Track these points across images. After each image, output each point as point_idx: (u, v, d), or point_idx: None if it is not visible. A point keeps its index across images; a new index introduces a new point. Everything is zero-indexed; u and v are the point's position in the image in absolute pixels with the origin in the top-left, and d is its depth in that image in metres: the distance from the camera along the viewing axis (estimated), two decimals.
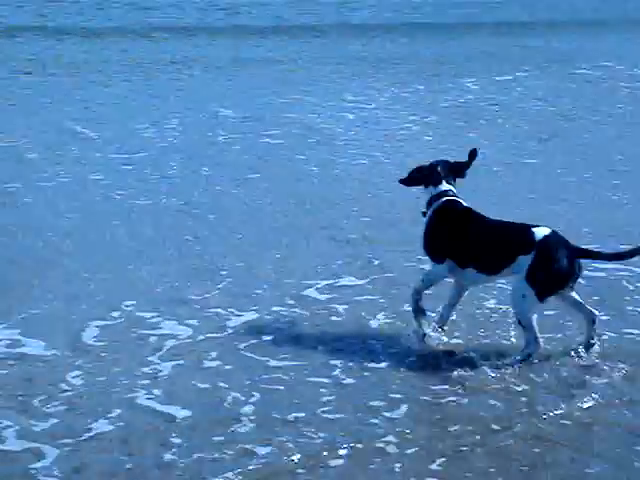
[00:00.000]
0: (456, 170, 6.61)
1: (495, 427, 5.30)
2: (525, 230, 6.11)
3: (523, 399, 5.63)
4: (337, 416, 5.40)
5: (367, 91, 14.45)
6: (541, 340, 6.07)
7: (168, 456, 4.97)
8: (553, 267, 5.98)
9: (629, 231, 8.34)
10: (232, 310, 6.85)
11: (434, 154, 11.13)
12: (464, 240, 6.25)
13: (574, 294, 6.20)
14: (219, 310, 6.85)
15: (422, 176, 6.57)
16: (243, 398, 5.59)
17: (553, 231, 6.10)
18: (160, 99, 13.86)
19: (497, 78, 15.61)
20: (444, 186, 6.49)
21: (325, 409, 5.48)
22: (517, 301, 6.10)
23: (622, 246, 6.90)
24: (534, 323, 6.08)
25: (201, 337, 6.43)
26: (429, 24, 20.88)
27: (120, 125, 12.31)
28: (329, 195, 9.80)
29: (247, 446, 5.04)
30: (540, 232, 6.07)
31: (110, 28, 19.70)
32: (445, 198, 6.42)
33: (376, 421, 5.36)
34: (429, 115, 13.09)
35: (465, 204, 6.43)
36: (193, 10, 21.92)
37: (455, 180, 6.60)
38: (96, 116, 12.71)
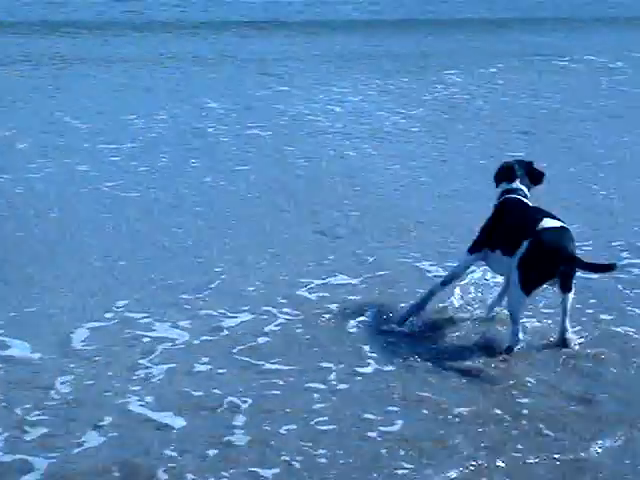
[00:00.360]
0: (533, 175, 6.52)
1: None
2: (538, 218, 5.83)
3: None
4: (331, 427, 5.06)
5: (354, 84, 14.03)
6: (522, 336, 5.84)
7: (161, 473, 4.63)
8: (538, 259, 5.67)
9: (614, 225, 8.10)
10: (224, 311, 6.49)
11: (420, 147, 10.94)
12: (502, 223, 6.10)
13: (567, 302, 5.87)
14: (211, 312, 6.49)
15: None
16: (236, 406, 5.25)
17: (561, 227, 5.79)
18: (148, 92, 13.40)
19: (481, 70, 15.26)
20: (515, 184, 6.36)
21: (320, 419, 5.14)
22: (510, 289, 5.90)
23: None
24: (519, 315, 5.83)
25: (193, 340, 6.08)
26: (413, 20, 20.51)
27: (108, 117, 11.86)
28: (318, 189, 9.44)
29: (242, 469, 4.70)
30: (546, 223, 5.79)
31: (96, 22, 19.14)
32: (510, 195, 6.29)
33: (372, 434, 5.02)
34: (415, 108, 12.71)
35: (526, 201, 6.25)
36: (178, 4, 21.41)
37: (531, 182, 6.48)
38: (84, 108, 12.25)
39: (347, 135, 11.40)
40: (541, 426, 5.06)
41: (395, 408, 5.25)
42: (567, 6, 21.91)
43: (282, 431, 4.99)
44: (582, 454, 4.82)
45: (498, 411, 5.22)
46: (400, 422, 5.10)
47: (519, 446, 4.88)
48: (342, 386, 5.49)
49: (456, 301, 6.47)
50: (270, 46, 17.07)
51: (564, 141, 11.23)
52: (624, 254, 7.61)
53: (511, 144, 10.97)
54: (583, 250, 6.62)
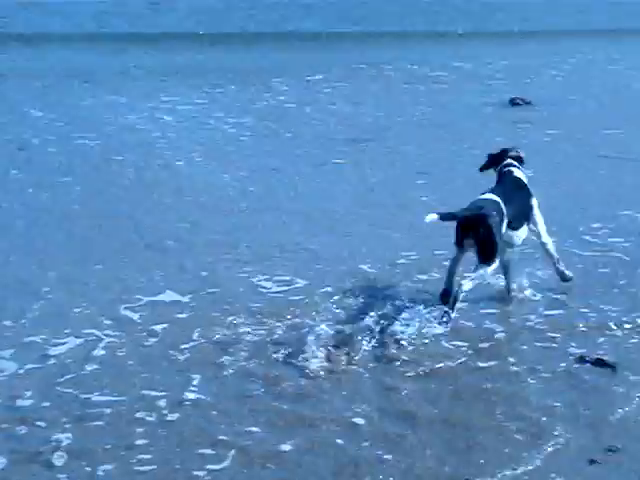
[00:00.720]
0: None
1: None
2: None
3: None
4: (151, 468, 4.49)
5: (183, 94, 13.56)
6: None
7: None
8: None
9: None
10: (48, 337, 5.87)
11: (249, 156, 10.56)
12: None
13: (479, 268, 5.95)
14: (35, 338, 5.85)
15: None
16: (59, 442, 4.69)
17: (488, 199, 6.11)
18: None
19: (308, 78, 15.09)
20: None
21: (142, 457, 4.59)
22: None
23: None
24: (448, 268, 6.09)
25: (16, 371, 5.45)
26: (241, 32, 20.18)
27: None
28: (145, 199, 8.92)
29: None
30: (484, 195, 6.20)
31: None
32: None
33: (200, 474, 4.46)
34: (244, 117, 12.35)
35: None
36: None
37: None
38: None
39: (176, 145, 10.91)
40: None
41: (226, 439, 4.76)
42: (394, 20, 22.14)
43: (100, 472, 4.46)
44: None
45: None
46: (231, 456, 4.60)
47: None
48: (171, 417, 4.96)
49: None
50: (97, 57, 16.36)
51: (388, 149, 11.07)
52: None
53: (336, 152, 10.74)
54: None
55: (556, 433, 4.79)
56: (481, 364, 5.59)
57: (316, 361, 5.50)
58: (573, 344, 5.87)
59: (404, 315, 5.95)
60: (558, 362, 5.62)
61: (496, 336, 6.02)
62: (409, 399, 5.15)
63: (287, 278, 6.87)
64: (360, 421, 4.91)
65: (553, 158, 10.52)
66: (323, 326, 5.84)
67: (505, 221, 6.11)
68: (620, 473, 4.49)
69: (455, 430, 4.84)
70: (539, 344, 5.90)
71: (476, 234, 5.90)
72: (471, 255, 6.02)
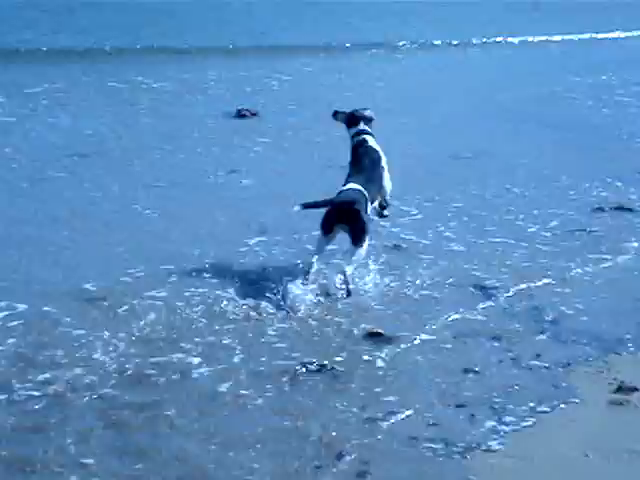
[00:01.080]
0: None
1: None
2: None
3: None
4: None
5: None
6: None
7: None
8: None
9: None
10: None
11: None
12: None
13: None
14: None
15: None
16: None
17: (351, 189, 6.64)
18: None
19: (26, 91, 14.31)
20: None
21: None
22: None
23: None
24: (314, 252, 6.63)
25: None
26: None
27: None
28: None
29: None
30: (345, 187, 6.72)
31: None
32: None
33: None
34: None
35: None
36: None
37: None
38: None
39: None
40: None
41: None
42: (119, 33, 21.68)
43: None
44: None
45: None
46: None
47: None
48: None
49: None
50: None
51: (112, 162, 10.63)
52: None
53: (56, 166, 10.16)
54: None
55: None
56: None
57: None
58: None
59: None
60: None
61: None
62: None
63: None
64: None
65: (275, 167, 10.60)
66: None
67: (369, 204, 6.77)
68: None
69: None
70: None
71: (349, 219, 6.50)
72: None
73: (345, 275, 6.45)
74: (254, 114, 13.48)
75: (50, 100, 13.90)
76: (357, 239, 6.50)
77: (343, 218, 6.49)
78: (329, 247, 6.73)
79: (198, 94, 15.43)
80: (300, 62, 19.54)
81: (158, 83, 16.08)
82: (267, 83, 16.97)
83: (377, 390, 5.27)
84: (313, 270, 6.51)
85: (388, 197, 7.21)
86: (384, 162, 7.04)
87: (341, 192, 6.65)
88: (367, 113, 7.15)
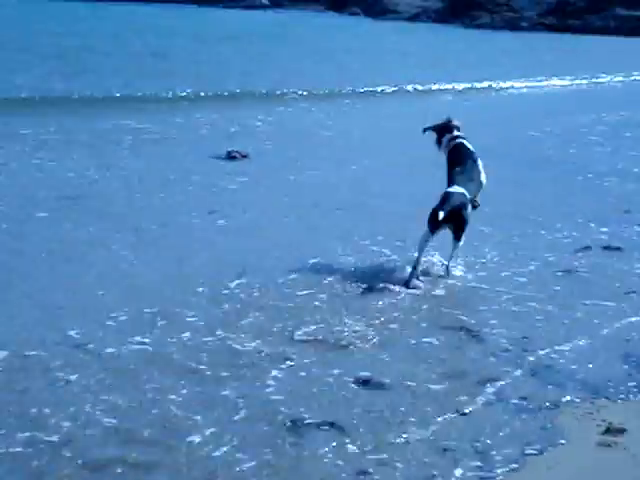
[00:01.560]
0: None
1: None
2: None
3: None
4: None
5: None
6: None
7: None
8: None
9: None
10: None
11: None
12: None
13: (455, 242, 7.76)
14: None
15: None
16: None
17: (458, 192, 7.54)
18: None
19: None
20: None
21: None
22: None
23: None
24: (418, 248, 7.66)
25: None
26: None
27: None
28: None
29: None
30: (452, 189, 7.62)
31: None
32: None
33: None
34: None
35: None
36: None
37: None
38: None
39: None
40: None
41: None
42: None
43: None
44: None
45: None
46: None
47: None
48: None
49: None
50: None
51: (97, 205, 10.50)
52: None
53: (40, 209, 10.03)
54: None
55: None
56: None
57: None
58: None
59: None
60: None
61: None
62: None
63: None
64: None
65: (266, 208, 10.57)
66: None
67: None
68: None
69: None
70: None
71: (455, 220, 7.57)
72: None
73: (449, 261, 7.86)
74: (244, 156, 13.44)
75: (36, 142, 13.83)
76: (459, 236, 7.69)
77: (451, 219, 7.51)
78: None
79: (188, 137, 15.41)
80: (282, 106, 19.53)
81: (150, 126, 16.04)
82: (253, 125, 16.98)
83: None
84: (421, 261, 7.66)
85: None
86: (480, 162, 7.96)
87: (448, 194, 7.56)
88: (456, 122, 8.20)
